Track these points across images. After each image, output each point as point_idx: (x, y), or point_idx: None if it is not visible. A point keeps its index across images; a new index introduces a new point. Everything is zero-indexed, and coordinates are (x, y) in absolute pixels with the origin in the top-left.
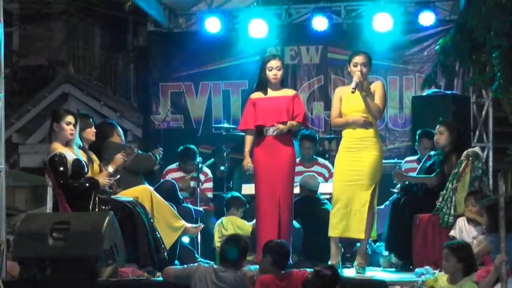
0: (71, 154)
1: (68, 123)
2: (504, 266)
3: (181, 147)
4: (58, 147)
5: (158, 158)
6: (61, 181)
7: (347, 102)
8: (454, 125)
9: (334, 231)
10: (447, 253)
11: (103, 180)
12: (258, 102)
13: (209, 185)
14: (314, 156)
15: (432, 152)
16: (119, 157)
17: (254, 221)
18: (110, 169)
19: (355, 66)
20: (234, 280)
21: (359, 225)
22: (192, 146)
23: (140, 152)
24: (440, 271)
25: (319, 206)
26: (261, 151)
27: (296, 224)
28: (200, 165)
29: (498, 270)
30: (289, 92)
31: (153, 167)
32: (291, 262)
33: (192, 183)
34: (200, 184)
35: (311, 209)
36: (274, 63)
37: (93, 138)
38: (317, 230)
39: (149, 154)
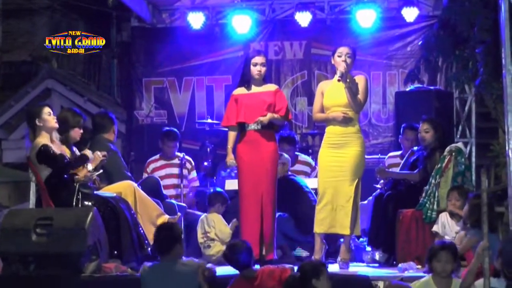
0: (56, 149)
1: (49, 113)
2: (487, 252)
3: (165, 128)
4: (43, 141)
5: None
6: (55, 166)
7: (328, 95)
8: (438, 122)
9: (319, 227)
10: (448, 254)
11: (89, 153)
12: (240, 98)
13: (195, 173)
14: (296, 153)
15: (416, 148)
16: (98, 156)
17: (233, 222)
18: (90, 167)
19: (339, 56)
20: (178, 273)
21: (344, 221)
22: (175, 129)
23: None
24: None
25: (292, 182)
26: (244, 147)
27: (284, 214)
28: (183, 160)
29: (481, 258)
30: (271, 87)
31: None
32: (275, 257)
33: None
34: (187, 174)
35: (290, 189)
36: (259, 59)
37: (78, 139)
38: (298, 203)
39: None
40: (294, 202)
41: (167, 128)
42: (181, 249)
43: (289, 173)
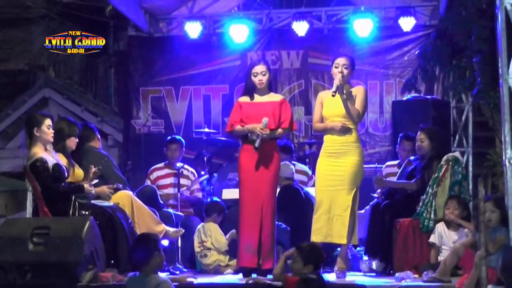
0: (51, 158)
1: (49, 127)
2: (484, 262)
3: (169, 137)
4: (39, 152)
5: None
6: (45, 185)
7: (328, 106)
8: (435, 132)
9: (316, 236)
10: None
11: (87, 187)
12: (245, 106)
13: (198, 185)
14: (292, 162)
15: (412, 157)
16: (107, 192)
17: (230, 233)
18: (94, 192)
19: (336, 67)
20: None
21: (340, 230)
22: (179, 137)
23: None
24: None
25: (298, 194)
26: (246, 156)
27: (282, 224)
28: (181, 170)
29: (479, 268)
30: (276, 97)
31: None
32: (275, 266)
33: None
34: (190, 184)
35: (292, 198)
36: (259, 69)
37: (74, 148)
38: (301, 216)
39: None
40: (293, 212)
41: (173, 135)
42: (148, 263)
43: (296, 181)
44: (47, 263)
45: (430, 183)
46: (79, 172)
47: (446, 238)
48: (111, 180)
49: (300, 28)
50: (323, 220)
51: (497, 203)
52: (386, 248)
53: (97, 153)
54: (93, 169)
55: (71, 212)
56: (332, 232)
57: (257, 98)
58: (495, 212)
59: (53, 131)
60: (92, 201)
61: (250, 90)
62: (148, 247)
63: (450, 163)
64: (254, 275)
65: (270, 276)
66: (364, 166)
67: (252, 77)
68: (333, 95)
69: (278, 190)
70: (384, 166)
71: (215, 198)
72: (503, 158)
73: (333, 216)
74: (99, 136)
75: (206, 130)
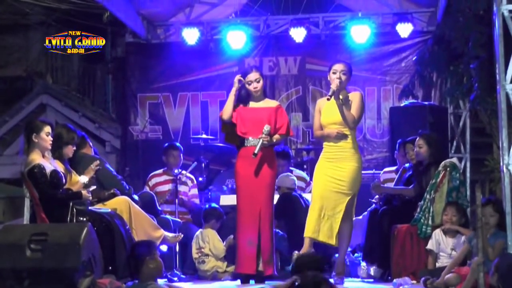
0: (49, 165)
1: (48, 134)
2: (482, 267)
3: (167, 144)
4: (37, 158)
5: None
6: (42, 192)
7: (325, 113)
8: (433, 138)
9: (307, 232)
10: None
11: (85, 193)
12: (241, 110)
13: (196, 191)
14: (290, 168)
15: (407, 164)
16: (92, 168)
17: (228, 239)
18: (83, 179)
19: (334, 73)
20: None
21: (329, 231)
22: (178, 144)
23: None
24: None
25: (297, 201)
26: (243, 163)
27: (279, 231)
28: (179, 176)
29: (475, 274)
30: (271, 103)
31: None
32: (275, 273)
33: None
34: (188, 190)
35: (291, 205)
36: (252, 76)
37: (71, 155)
38: (300, 224)
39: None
40: (291, 219)
41: (171, 142)
42: (141, 270)
43: (295, 190)
44: (44, 269)
45: (427, 189)
46: (76, 178)
47: (443, 245)
48: (106, 179)
49: (298, 34)
50: (314, 219)
51: (496, 207)
52: (384, 254)
53: (90, 157)
54: (93, 165)
55: (68, 218)
56: (320, 229)
57: (253, 104)
58: (494, 217)
59: (51, 138)
60: (89, 207)
61: (245, 98)
62: (139, 254)
63: (448, 169)
64: (252, 281)
65: (268, 283)
66: (362, 172)
67: (247, 86)
68: (328, 99)
69: (277, 197)
70: (382, 172)
71: (213, 204)
72: (501, 164)
73: (324, 215)
74: (90, 143)
75: (204, 136)
